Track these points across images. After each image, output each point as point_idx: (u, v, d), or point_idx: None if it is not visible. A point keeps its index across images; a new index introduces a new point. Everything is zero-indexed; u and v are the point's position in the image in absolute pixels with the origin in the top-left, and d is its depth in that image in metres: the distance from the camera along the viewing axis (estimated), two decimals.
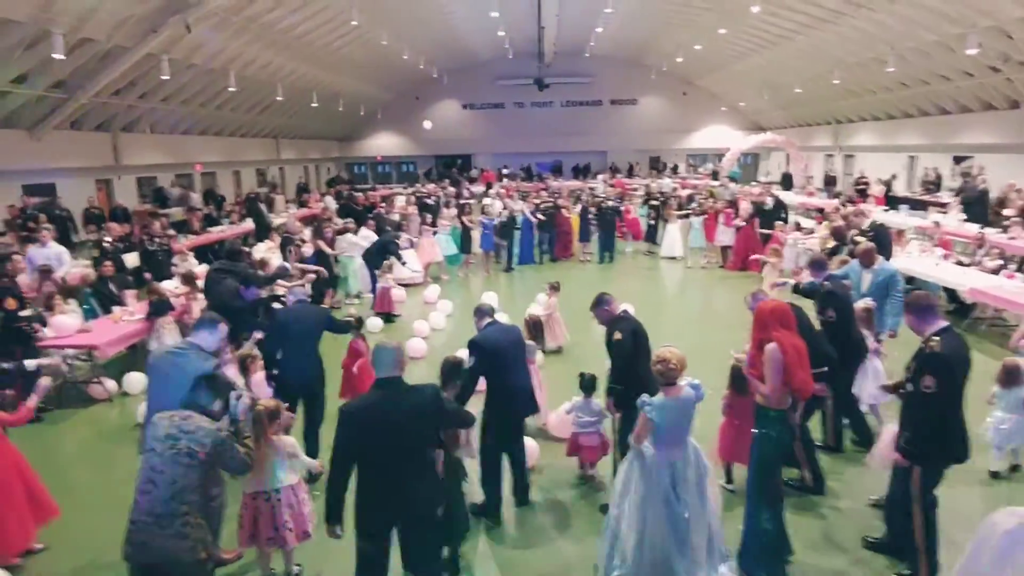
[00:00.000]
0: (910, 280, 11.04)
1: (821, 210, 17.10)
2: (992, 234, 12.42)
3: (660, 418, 3.97)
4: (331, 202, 20.60)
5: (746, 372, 4.55)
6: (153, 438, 3.48)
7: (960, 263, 11.09)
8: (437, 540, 3.92)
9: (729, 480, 5.56)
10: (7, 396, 5.39)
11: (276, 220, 17.58)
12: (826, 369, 5.07)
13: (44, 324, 7.82)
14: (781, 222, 14.25)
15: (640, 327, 5.22)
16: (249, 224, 17.41)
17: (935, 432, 4.05)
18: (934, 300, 4.38)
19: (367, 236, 12.58)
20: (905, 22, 18.47)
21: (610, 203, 16.81)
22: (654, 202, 18.30)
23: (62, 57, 14.61)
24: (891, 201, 19.77)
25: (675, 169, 34.65)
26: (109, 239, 11.09)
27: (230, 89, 21.55)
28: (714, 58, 30.40)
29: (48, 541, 4.97)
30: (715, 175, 28.96)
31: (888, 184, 21.47)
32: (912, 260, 11.26)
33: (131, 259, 11.58)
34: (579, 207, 17.08)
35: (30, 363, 5.39)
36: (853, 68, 23.24)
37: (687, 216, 16.36)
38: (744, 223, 14.58)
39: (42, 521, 4.88)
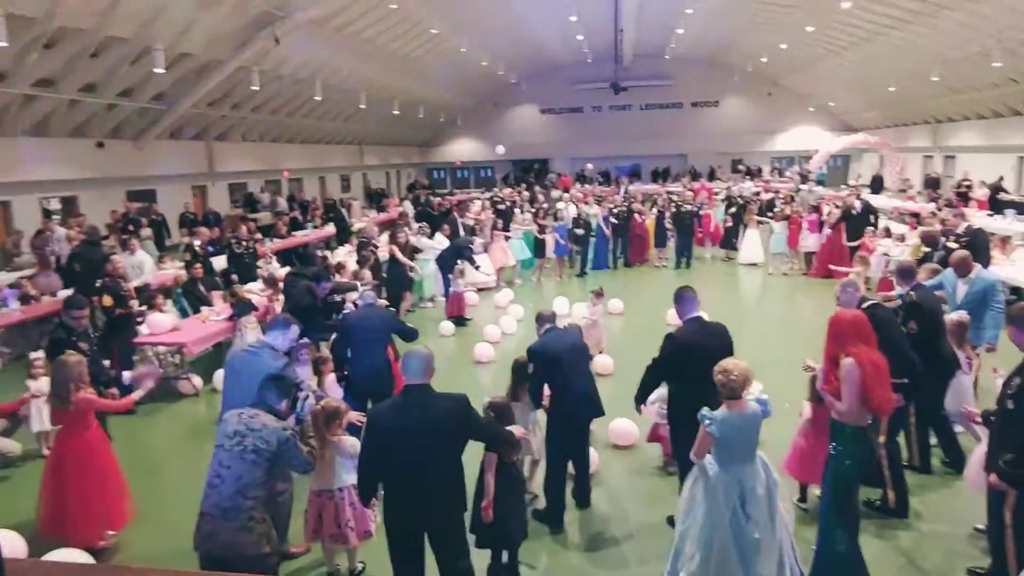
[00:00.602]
0: (1015, 291, 10.29)
1: (916, 215, 16.14)
2: None
3: (721, 433, 3.81)
4: (409, 207, 21.02)
5: (820, 388, 4.29)
6: (223, 434, 3.63)
7: None
8: (464, 547, 3.86)
9: (803, 498, 5.29)
10: (115, 395, 5.79)
11: (356, 224, 18.09)
12: (906, 381, 4.74)
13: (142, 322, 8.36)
14: (870, 228, 13.55)
15: (692, 338, 4.86)
16: (330, 228, 17.99)
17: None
18: None
19: (441, 241, 12.76)
20: (1012, 14, 17.22)
21: (688, 207, 16.42)
22: (733, 207, 17.76)
23: (162, 71, 15.56)
24: (996, 205, 18.43)
25: (758, 172, 33.53)
26: (199, 242, 11.68)
27: (316, 98, 22.37)
28: (801, 57, 29.28)
29: (133, 527, 5.24)
30: (804, 178, 27.86)
31: (996, 187, 20.06)
32: (1018, 269, 10.47)
33: (219, 262, 12.16)
34: (656, 211, 16.77)
35: (127, 375, 5.76)
36: (954, 64, 21.84)
37: (766, 221, 15.78)
38: (831, 228, 13.95)
39: (125, 513, 5.12)
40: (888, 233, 13.14)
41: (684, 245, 15.84)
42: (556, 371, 5.03)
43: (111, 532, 5.06)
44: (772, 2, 23.78)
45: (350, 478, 4.57)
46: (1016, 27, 17.83)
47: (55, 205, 17.07)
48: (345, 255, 12.58)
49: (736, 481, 3.87)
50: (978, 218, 13.98)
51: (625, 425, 6.41)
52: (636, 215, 16.22)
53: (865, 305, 5.04)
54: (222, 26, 16.25)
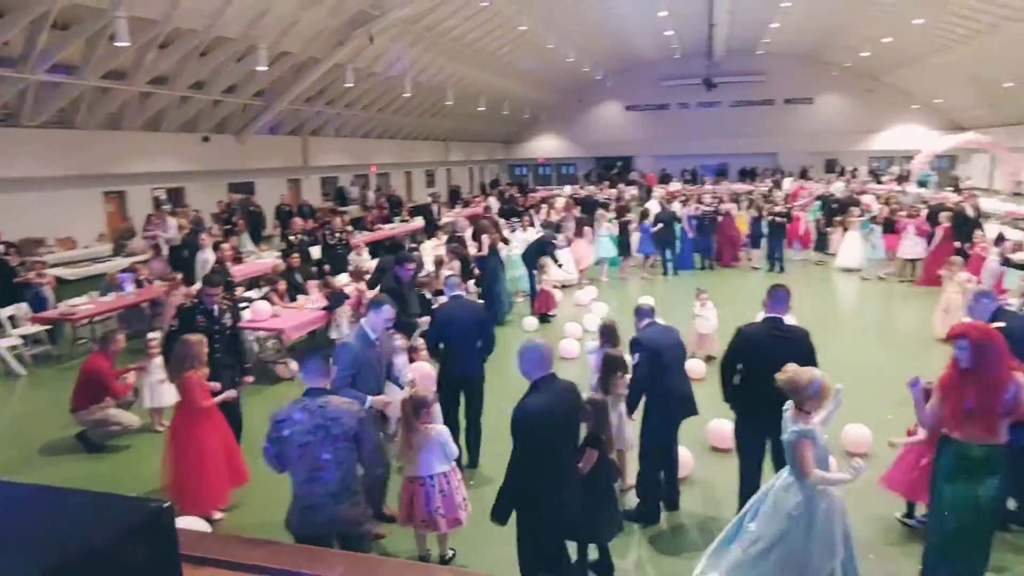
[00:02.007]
0: None
1: None
2: None
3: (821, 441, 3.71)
4: (494, 203, 21.24)
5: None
6: (302, 432, 3.56)
7: None
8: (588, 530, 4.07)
9: (910, 514, 5.03)
10: (245, 383, 6.18)
11: (443, 219, 18.44)
12: None
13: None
14: (979, 233, 12.73)
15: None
16: (419, 222, 18.41)
17: None
18: None
19: (526, 236, 12.85)
20: None
21: (780, 208, 15.86)
22: (827, 209, 17.05)
23: (264, 69, 16.31)
24: None
25: (854, 172, 32.03)
26: (295, 234, 12.19)
27: (405, 95, 22.92)
28: (907, 51, 27.75)
29: (240, 499, 5.56)
30: (900, 179, 26.43)
31: None
32: None
33: (314, 252, 12.66)
34: (749, 212, 16.27)
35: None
36: None
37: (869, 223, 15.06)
38: (940, 233, 13.17)
39: (236, 484, 5.46)
40: (1000, 239, 12.30)
41: (775, 247, 15.32)
42: (657, 366, 5.00)
43: (217, 510, 5.38)
44: None
45: (439, 466, 4.68)
46: None
47: (163, 195, 18.20)
48: (432, 248, 12.86)
49: (812, 497, 3.74)
50: None
51: (723, 426, 6.28)
52: (726, 215, 15.79)
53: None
54: (321, 25, 16.90)
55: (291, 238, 12.06)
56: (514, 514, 3.85)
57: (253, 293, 10.26)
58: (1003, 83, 25.18)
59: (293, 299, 9.86)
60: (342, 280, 10.41)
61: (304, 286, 10.26)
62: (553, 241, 12.39)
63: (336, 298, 9.07)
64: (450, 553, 4.81)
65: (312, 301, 9.58)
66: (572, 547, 4.24)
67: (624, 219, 15.02)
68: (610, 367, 5.18)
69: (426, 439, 4.67)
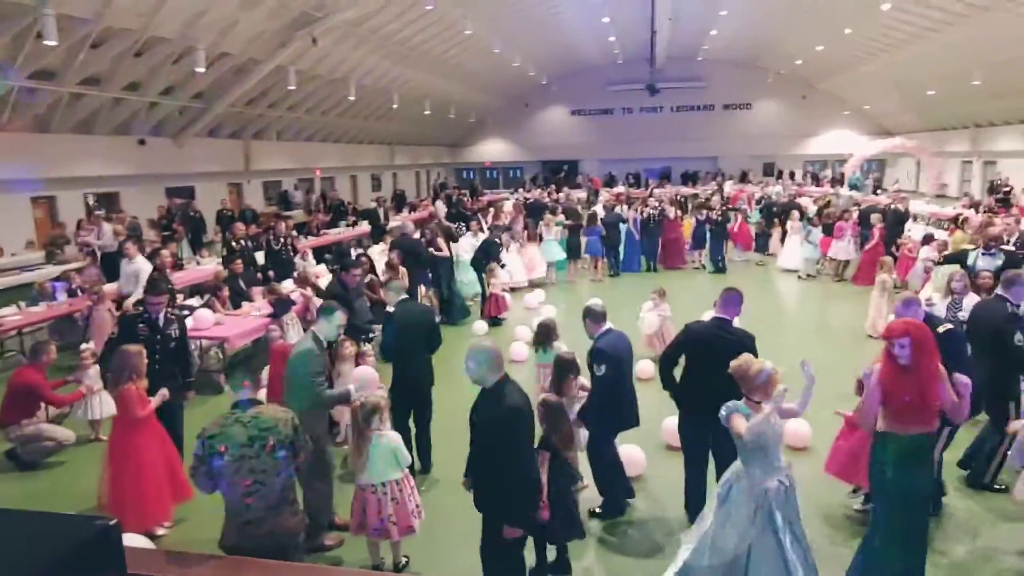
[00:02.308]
0: None
1: (955, 220, 15.84)
2: None
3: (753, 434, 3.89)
4: (441, 207, 21.17)
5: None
6: (238, 447, 3.41)
7: None
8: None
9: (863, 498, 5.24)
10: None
11: (391, 223, 18.26)
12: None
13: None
14: (903, 234, 13.35)
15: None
16: (365, 227, 18.19)
17: None
18: None
19: (473, 242, 12.86)
20: None
21: (719, 211, 16.31)
22: (767, 211, 17.60)
23: (203, 70, 15.88)
24: None
25: (791, 175, 33.17)
26: (238, 239, 11.89)
27: (349, 98, 22.63)
28: (838, 59, 28.90)
29: (184, 515, 5.39)
30: (834, 182, 27.47)
31: (1007, 187, 19.62)
32: None
33: (258, 258, 12.38)
34: (692, 214, 16.69)
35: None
36: (997, 67, 21.39)
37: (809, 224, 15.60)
38: (876, 234, 13.75)
39: (179, 499, 5.27)
40: (928, 239, 12.90)
41: (717, 249, 15.72)
42: (619, 373, 5.09)
43: (160, 526, 5.21)
44: (810, 4, 23.50)
45: (392, 473, 4.64)
46: None
47: (92, 201, 17.48)
48: (379, 253, 12.72)
49: (765, 486, 3.88)
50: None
51: (673, 424, 6.42)
52: (669, 218, 16.13)
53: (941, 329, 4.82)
54: (261, 26, 16.54)
55: (233, 244, 11.77)
56: (477, 518, 3.88)
57: (194, 301, 9.98)
58: (927, 90, 26.47)
59: (237, 306, 9.63)
60: (287, 286, 10.20)
61: (248, 293, 10.03)
62: (497, 243, 12.42)
63: (282, 305, 8.90)
64: (404, 560, 4.77)
65: (256, 308, 9.37)
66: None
67: (571, 222, 15.20)
68: (563, 369, 5.23)
69: (378, 446, 4.63)
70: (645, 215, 15.91)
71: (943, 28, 20.73)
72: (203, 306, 9.24)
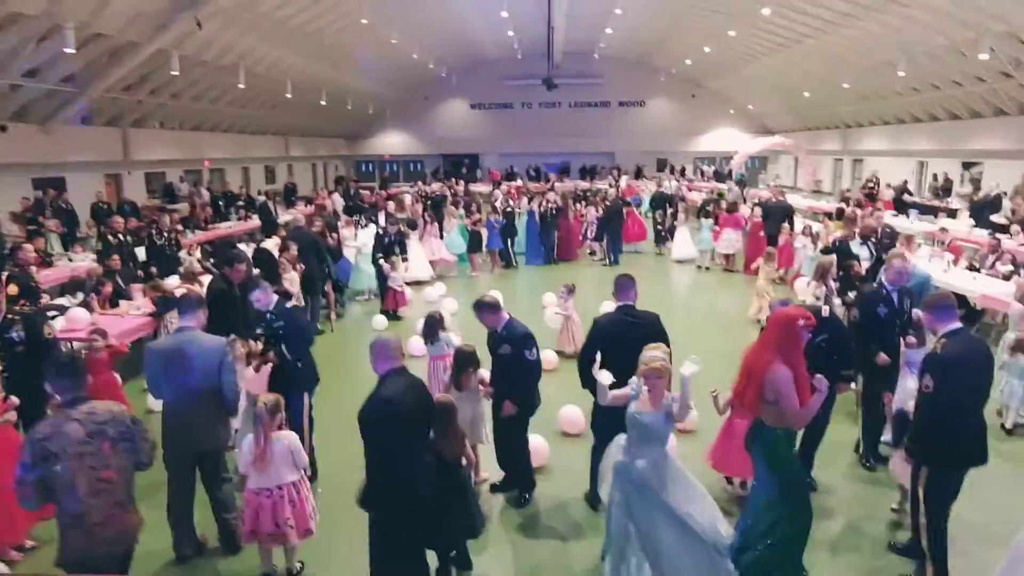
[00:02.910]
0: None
1: (829, 214, 17.01)
2: (1005, 240, 12.34)
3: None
4: (338, 200, 20.61)
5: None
6: (70, 444, 3.23)
7: (973, 268, 11.02)
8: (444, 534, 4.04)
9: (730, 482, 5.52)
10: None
11: (283, 217, 17.61)
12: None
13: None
14: (787, 226, 14.20)
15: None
16: (256, 220, 17.45)
17: (937, 432, 4.05)
18: (952, 300, 4.34)
19: (371, 234, 12.61)
20: (917, 26, 18.37)
21: (616, 204, 16.78)
22: (662, 205, 18.24)
23: (72, 51, 14.67)
24: (901, 206, 19.67)
25: (682, 171, 34.58)
26: (115, 234, 11.11)
27: (239, 86, 21.60)
28: (723, 60, 30.32)
29: (41, 536, 4.90)
30: (720, 177, 28.87)
31: (902, 190, 21.38)
32: (921, 266, 11.16)
33: (139, 254, 11.61)
34: (589, 208, 17.06)
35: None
36: (863, 72, 23.13)
37: (700, 218, 16.29)
38: (753, 227, 14.53)
39: (36, 519, 4.78)
40: (807, 231, 13.78)
41: (612, 241, 16.16)
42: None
43: (14, 549, 4.79)
44: (697, 6, 24.51)
45: (291, 475, 4.47)
46: (920, 40, 19.03)
47: None
48: (273, 247, 12.22)
49: (653, 463, 4.05)
50: (887, 218, 14.85)
51: (573, 412, 6.57)
52: (569, 211, 16.44)
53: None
54: (139, 6, 15.47)
55: (110, 238, 10.98)
56: (365, 518, 3.77)
57: (66, 300, 9.24)
58: (803, 92, 28.27)
59: (115, 305, 8.99)
60: (172, 283, 9.62)
61: (127, 290, 9.38)
62: (391, 236, 12.17)
63: (165, 303, 8.38)
64: (299, 566, 4.60)
65: (136, 307, 8.78)
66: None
67: (472, 216, 15.19)
68: (462, 363, 5.21)
69: (278, 447, 4.45)
70: (545, 209, 16.13)
71: (816, 34, 22.17)
72: (79, 305, 8.56)
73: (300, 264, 10.00)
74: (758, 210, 14.89)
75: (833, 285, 7.85)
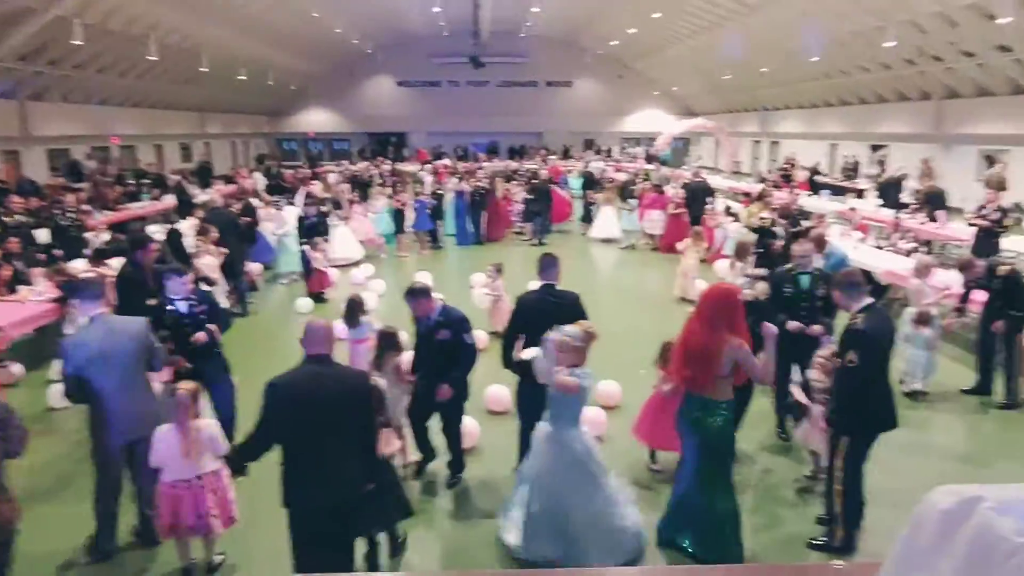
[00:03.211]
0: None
1: (748, 194, 17.61)
2: (906, 218, 13.08)
3: (585, 388, 4.17)
4: (260, 179, 19.93)
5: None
6: None
7: (881, 246, 11.65)
8: (370, 520, 3.93)
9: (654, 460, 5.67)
10: None
11: (200, 197, 16.89)
12: None
13: None
14: (708, 206, 14.62)
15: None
16: (170, 200, 16.68)
17: (859, 404, 4.28)
18: (859, 278, 4.56)
19: (293, 214, 12.26)
20: (829, 14, 19.11)
21: (544, 184, 16.87)
22: (590, 185, 18.46)
23: None
24: (814, 186, 20.56)
25: (608, 151, 35.03)
26: (13, 214, 10.40)
27: (150, 58, 20.47)
28: (648, 42, 30.76)
29: None
30: (650, 158, 29.41)
31: (814, 171, 22.34)
32: (832, 243, 11.70)
33: (41, 236, 10.91)
34: (517, 188, 17.09)
35: None
36: (779, 57, 23.94)
37: (625, 199, 16.56)
38: (677, 207, 14.89)
39: None
40: (728, 212, 14.23)
41: (539, 221, 16.25)
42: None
43: None
44: None
45: (211, 464, 4.32)
46: (832, 27, 19.81)
47: None
48: (188, 228, 11.71)
49: (579, 439, 4.15)
50: (801, 198, 15.49)
51: (499, 391, 6.61)
52: (496, 191, 16.41)
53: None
54: None
55: (7, 220, 10.27)
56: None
57: None
58: (723, 75, 29.02)
59: (13, 291, 8.43)
60: (78, 266, 9.10)
61: (27, 275, 8.81)
62: (313, 217, 11.84)
63: (70, 288, 7.90)
64: (219, 558, 4.46)
65: (37, 292, 8.27)
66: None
67: (400, 195, 14.97)
68: (385, 345, 5.14)
69: (200, 435, 4.28)
70: (472, 188, 16.06)
71: (735, 18, 22.76)
72: None
73: (222, 248, 9.63)
74: (680, 191, 15.26)
75: (751, 264, 8.16)
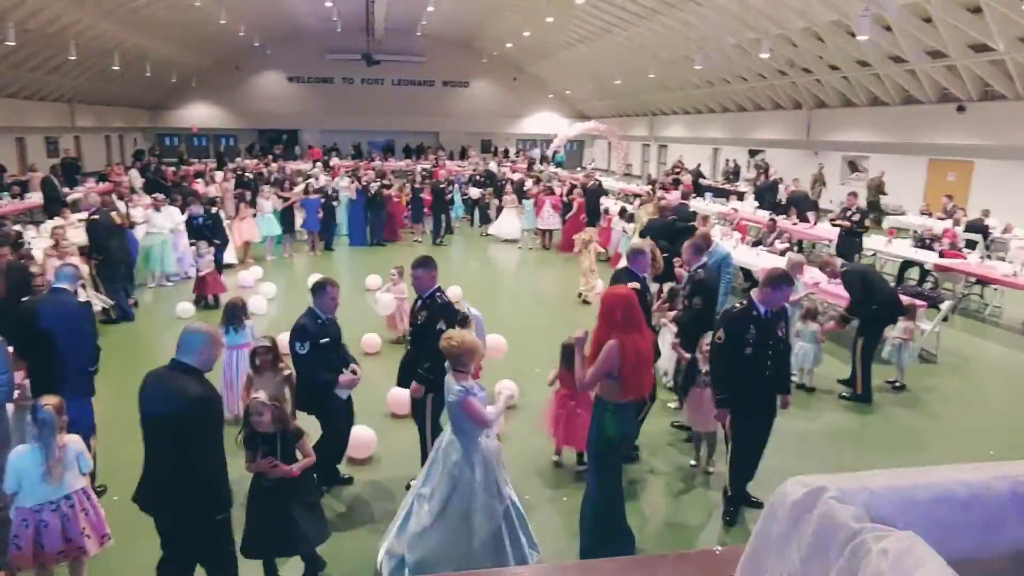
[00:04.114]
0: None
1: (639, 195, 18.27)
2: (780, 219, 13.99)
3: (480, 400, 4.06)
4: (136, 176, 18.74)
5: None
6: None
7: (757, 244, 12.39)
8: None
9: (560, 461, 5.76)
10: None
11: (71, 195, 15.69)
12: None
13: None
14: (603, 207, 15.06)
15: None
16: (36, 199, 15.39)
17: (726, 379, 4.70)
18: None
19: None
20: (710, 24, 20.15)
21: (443, 185, 16.81)
22: (478, 188, 18.58)
23: None
24: (698, 189, 21.63)
25: (505, 152, 35.38)
26: None
27: (6, 43, 18.76)
28: (542, 46, 31.32)
29: None
30: (542, 160, 29.96)
31: (697, 173, 23.50)
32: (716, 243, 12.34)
33: None
34: (409, 188, 16.94)
35: None
36: (666, 64, 25.01)
37: (521, 200, 16.76)
38: (574, 207, 15.24)
39: None
40: (621, 212, 14.68)
41: (439, 221, 16.20)
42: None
43: None
44: None
45: (79, 481, 4.02)
46: (713, 37, 20.91)
47: None
48: (53, 228, 10.83)
49: (481, 448, 4.09)
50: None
51: (400, 394, 6.47)
52: (391, 191, 16.20)
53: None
54: None
55: None
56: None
57: None
58: (614, 80, 30.00)
59: None
60: None
61: None
62: (199, 217, 11.26)
63: None
64: None
65: None
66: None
67: (289, 195, 14.50)
68: (261, 350, 4.99)
69: (63, 454, 3.96)
70: (368, 188, 15.76)
71: (625, 25, 23.60)
72: None
73: (92, 256, 9.02)
74: (578, 191, 15.62)
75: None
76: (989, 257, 11.78)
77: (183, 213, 11.47)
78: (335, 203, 15.03)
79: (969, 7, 14.41)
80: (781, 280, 4.71)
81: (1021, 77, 15.04)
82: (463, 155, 33.55)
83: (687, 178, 22.91)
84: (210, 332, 3.57)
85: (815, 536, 1.30)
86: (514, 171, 24.61)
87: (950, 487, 1.31)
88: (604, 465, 4.34)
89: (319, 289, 4.97)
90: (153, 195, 12.66)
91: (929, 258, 11.24)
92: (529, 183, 17.89)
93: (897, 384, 7.54)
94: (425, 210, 16.36)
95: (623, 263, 6.21)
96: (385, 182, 16.38)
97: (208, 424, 3.46)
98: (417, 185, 17.01)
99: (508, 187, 17.45)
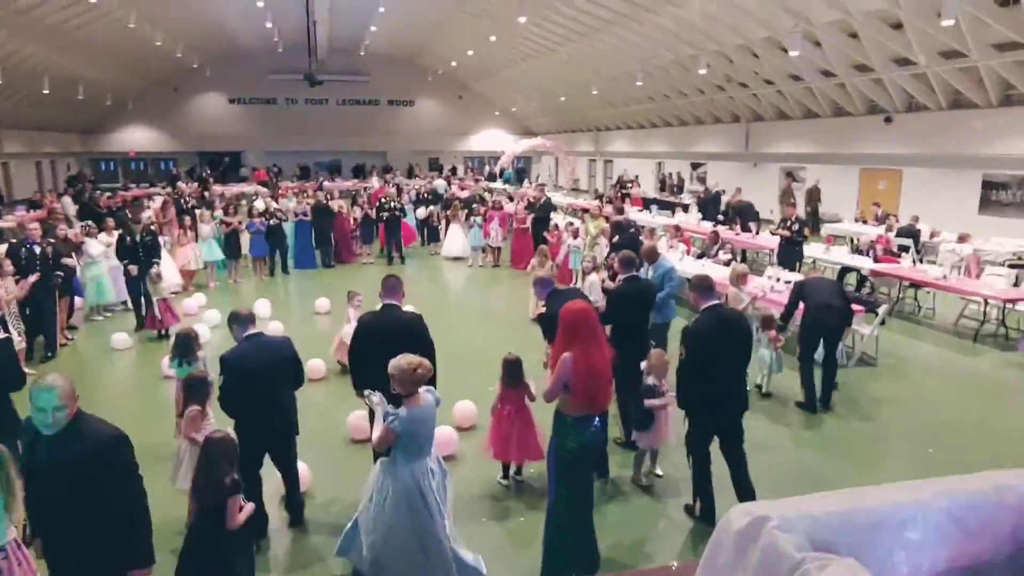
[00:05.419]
0: None
1: (587, 210, 18.47)
2: (723, 230, 14.32)
3: (404, 429, 3.90)
4: (69, 203, 18.06)
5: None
6: None
7: (702, 255, 12.63)
8: None
9: (506, 476, 5.70)
10: None
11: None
12: None
13: None
14: (553, 223, 15.15)
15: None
16: None
17: (689, 392, 4.85)
18: (710, 282, 5.09)
19: (106, 241, 11.19)
20: (650, 42, 20.63)
21: (394, 204, 16.67)
22: (428, 205, 18.52)
23: None
24: (645, 202, 22.03)
25: (453, 171, 35.38)
26: None
27: None
28: (487, 64, 31.56)
29: None
30: (492, 177, 30.06)
31: (631, 183, 23.93)
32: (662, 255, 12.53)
33: None
34: (358, 209, 16.75)
35: None
36: (608, 81, 25.47)
37: (468, 217, 16.73)
38: (522, 224, 15.30)
39: None
40: (570, 227, 14.78)
41: (391, 242, 16.03)
42: (247, 389, 4.60)
43: None
44: (459, 10, 25.19)
45: (11, 532, 3.78)
46: (653, 54, 21.39)
47: None
48: None
49: (419, 473, 4.02)
50: (633, 212, 16.51)
51: (359, 419, 6.35)
52: (339, 213, 15.99)
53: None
54: None
55: None
56: None
57: None
58: (559, 97, 30.40)
59: None
60: None
61: None
62: (135, 244, 10.87)
63: None
64: None
65: None
66: None
67: (231, 219, 14.15)
68: (192, 391, 4.84)
69: None
70: (314, 209, 15.52)
71: (567, 43, 23.98)
72: None
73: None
74: (522, 205, 15.68)
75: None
76: (921, 261, 12.27)
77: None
78: (284, 222, 14.75)
79: (891, 23, 15.11)
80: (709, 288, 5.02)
81: (943, 89, 15.81)
82: (410, 174, 33.41)
83: (635, 191, 23.33)
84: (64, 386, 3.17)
85: (760, 566, 1.30)
86: (463, 188, 24.63)
87: (889, 510, 1.33)
88: (566, 479, 4.29)
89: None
90: (84, 223, 12.21)
91: (865, 264, 11.65)
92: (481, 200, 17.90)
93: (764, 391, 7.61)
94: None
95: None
96: (328, 205, 16.13)
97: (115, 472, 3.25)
98: (365, 206, 16.82)
99: (456, 205, 17.41)
